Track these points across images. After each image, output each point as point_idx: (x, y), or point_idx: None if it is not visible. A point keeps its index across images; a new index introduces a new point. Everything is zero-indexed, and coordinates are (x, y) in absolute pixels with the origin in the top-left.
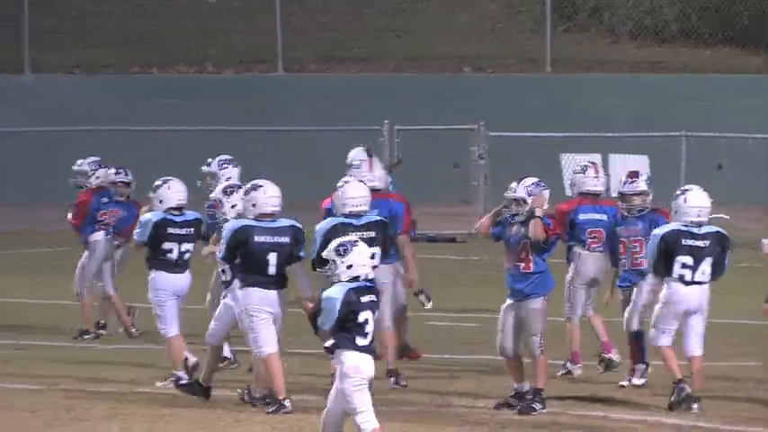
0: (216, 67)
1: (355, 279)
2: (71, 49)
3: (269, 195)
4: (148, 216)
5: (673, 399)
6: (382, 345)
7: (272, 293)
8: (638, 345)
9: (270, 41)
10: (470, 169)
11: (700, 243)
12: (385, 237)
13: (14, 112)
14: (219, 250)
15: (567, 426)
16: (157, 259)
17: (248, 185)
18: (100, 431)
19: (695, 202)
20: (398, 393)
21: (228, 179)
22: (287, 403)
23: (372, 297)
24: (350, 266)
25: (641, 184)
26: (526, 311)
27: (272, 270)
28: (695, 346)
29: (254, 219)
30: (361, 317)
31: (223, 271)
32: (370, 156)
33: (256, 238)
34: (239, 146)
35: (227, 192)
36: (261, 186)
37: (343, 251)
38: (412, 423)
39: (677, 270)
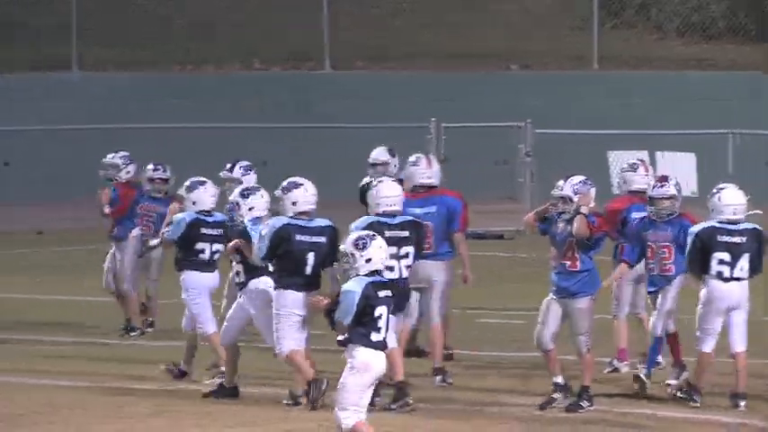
0: (263, 64)
1: (374, 273)
2: (118, 46)
3: (310, 193)
4: (182, 215)
5: (680, 394)
6: (430, 342)
7: (305, 295)
8: (673, 346)
9: (317, 39)
10: (517, 166)
11: (736, 239)
12: (419, 236)
13: (62, 110)
14: (257, 249)
15: (614, 423)
16: (188, 260)
17: (287, 183)
18: (148, 428)
19: (730, 200)
20: (445, 391)
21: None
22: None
23: (388, 293)
24: (369, 260)
25: (671, 189)
26: (572, 310)
27: (308, 270)
28: (739, 343)
29: (292, 217)
30: (377, 311)
31: (237, 273)
32: (393, 155)
33: (297, 237)
34: (286, 143)
35: (245, 194)
36: (302, 184)
37: (362, 245)
38: (459, 421)
39: (715, 267)
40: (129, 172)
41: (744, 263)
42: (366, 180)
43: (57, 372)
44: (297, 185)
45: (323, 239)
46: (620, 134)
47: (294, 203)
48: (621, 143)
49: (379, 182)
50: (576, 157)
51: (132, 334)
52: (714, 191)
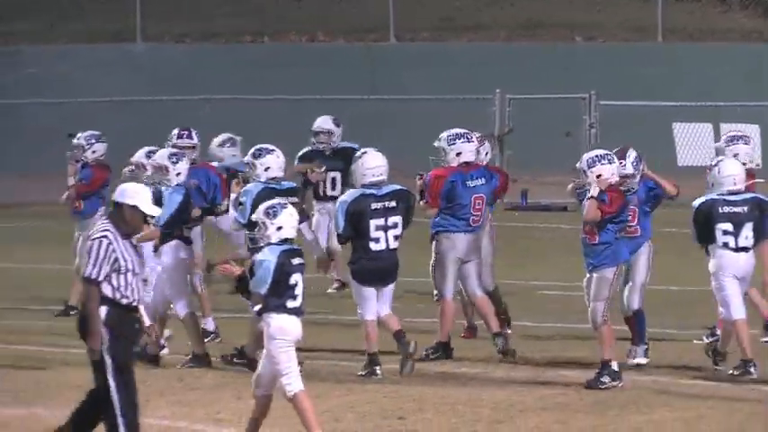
0: (327, 36)
1: (285, 241)
2: (182, 17)
3: (281, 159)
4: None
5: (736, 373)
6: (479, 312)
7: None
8: (638, 325)
9: (382, 10)
10: (581, 138)
11: (737, 209)
12: (407, 207)
13: (126, 81)
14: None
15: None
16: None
17: (258, 149)
18: (216, 399)
19: (730, 171)
20: (506, 363)
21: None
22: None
23: (301, 260)
24: (280, 228)
25: (627, 167)
26: (591, 280)
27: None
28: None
29: (267, 182)
30: (292, 279)
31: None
32: (337, 125)
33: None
34: (350, 115)
35: (174, 161)
36: (273, 150)
37: (273, 213)
38: (522, 391)
39: (720, 238)
40: (94, 152)
41: (747, 232)
42: (307, 149)
43: None
44: (269, 151)
45: (295, 200)
46: (684, 106)
47: (267, 169)
48: (686, 115)
49: (364, 153)
50: (640, 129)
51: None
52: (712, 164)
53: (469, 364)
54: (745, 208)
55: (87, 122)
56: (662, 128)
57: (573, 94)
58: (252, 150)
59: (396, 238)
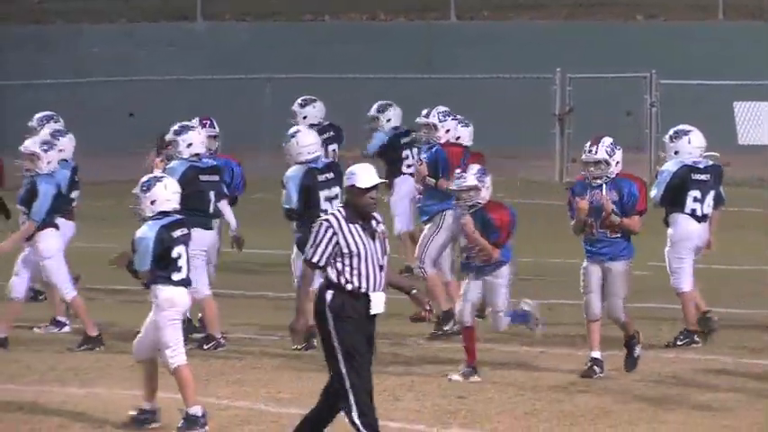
0: (388, 14)
1: (164, 214)
2: None
3: (203, 135)
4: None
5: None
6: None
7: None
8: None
9: None
10: (643, 117)
11: (704, 177)
12: (342, 175)
13: (187, 60)
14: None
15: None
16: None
17: (179, 126)
18: (270, 378)
19: (700, 143)
20: (567, 340)
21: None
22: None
23: (184, 230)
24: (153, 201)
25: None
26: (612, 273)
27: (211, 208)
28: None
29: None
30: (175, 252)
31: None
32: (303, 106)
33: (201, 177)
34: (409, 93)
35: (46, 148)
36: (195, 127)
37: (146, 187)
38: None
39: (690, 204)
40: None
41: (710, 199)
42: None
43: None
44: (191, 128)
45: (216, 177)
46: (745, 84)
47: (189, 145)
48: (748, 94)
49: (297, 131)
50: (701, 108)
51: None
52: (678, 134)
53: (529, 344)
54: (709, 176)
55: (148, 101)
56: (722, 106)
57: (633, 73)
58: (173, 127)
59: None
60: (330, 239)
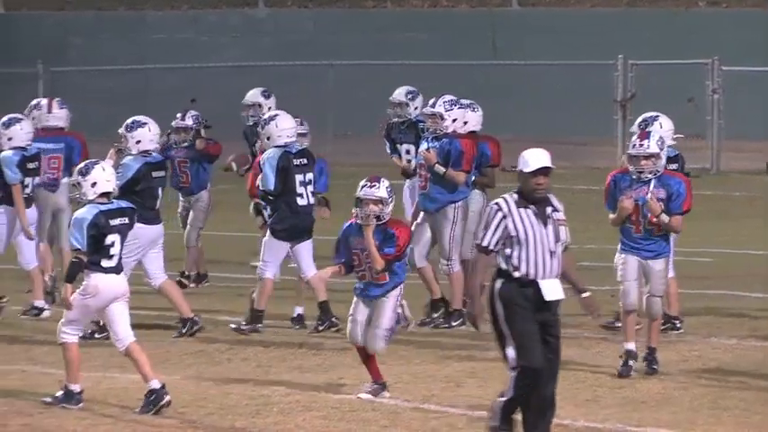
0: (450, 1)
1: (105, 197)
2: None
3: (153, 132)
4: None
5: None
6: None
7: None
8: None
9: None
10: (704, 104)
11: (674, 167)
12: (314, 162)
13: (249, 46)
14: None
15: None
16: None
17: (131, 121)
18: (331, 364)
19: (669, 126)
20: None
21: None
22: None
23: (125, 220)
24: (94, 184)
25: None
26: (653, 270)
27: (158, 204)
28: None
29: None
30: (109, 239)
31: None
32: (267, 97)
33: (153, 174)
34: (472, 80)
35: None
36: (146, 123)
37: (85, 171)
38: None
39: None
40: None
41: None
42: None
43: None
44: (141, 124)
45: (163, 173)
46: None
47: (138, 142)
48: None
49: (276, 115)
50: (762, 95)
51: None
52: (649, 121)
53: (590, 330)
54: (677, 165)
55: (211, 87)
56: None
57: (695, 60)
58: (126, 122)
59: (312, 194)
60: (499, 223)
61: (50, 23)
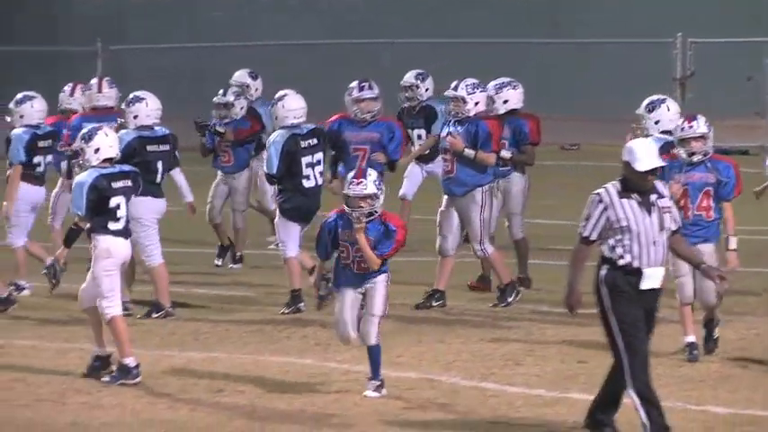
0: None
1: (108, 162)
2: None
3: (151, 108)
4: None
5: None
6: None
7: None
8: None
9: None
10: (764, 82)
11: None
12: (325, 142)
13: (309, 25)
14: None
15: None
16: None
17: (131, 97)
18: (390, 344)
19: (676, 109)
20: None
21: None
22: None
23: (128, 182)
24: (97, 150)
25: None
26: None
27: (159, 178)
28: None
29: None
30: (113, 202)
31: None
32: (254, 78)
33: (148, 147)
34: (530, 57)
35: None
36: (144, 98)
37: (88, 137)
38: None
39: None
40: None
41: None
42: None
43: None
44: (140, 99)
45: (166, 147)
46: None
47: (135, 117)
48: None
49: (285, 95)
50: None
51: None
52: (656, 103)
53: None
54: None
55: (267, 66)
56: None
57: (755, 38)
58: (127, 98)
59: (320, 174)
60: (601, 214)
61: (109, 2)
